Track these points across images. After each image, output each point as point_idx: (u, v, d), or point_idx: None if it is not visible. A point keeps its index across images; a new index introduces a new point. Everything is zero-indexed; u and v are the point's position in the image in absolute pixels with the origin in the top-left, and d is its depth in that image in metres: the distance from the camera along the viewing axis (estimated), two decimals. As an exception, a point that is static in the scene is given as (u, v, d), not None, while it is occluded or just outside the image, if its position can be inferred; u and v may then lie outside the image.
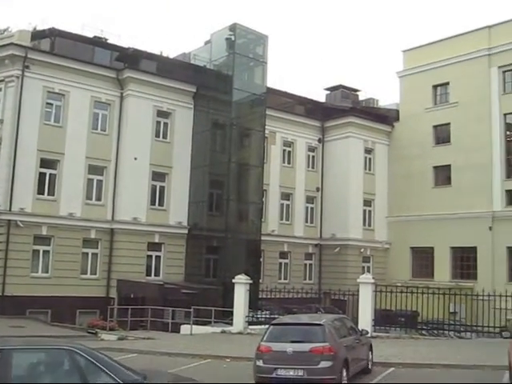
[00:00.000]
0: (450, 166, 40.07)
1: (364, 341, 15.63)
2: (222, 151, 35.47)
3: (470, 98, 39.06)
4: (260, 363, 12.98)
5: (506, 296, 21.31)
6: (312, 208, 42.56)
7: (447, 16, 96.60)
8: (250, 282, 26.34)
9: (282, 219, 40.70)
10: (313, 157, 43.02)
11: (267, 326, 14.44)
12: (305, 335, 13.18)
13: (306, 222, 42.12)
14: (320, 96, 48.72)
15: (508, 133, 38.70)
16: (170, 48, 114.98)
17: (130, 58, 34.63)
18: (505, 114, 38.31)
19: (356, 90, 49.03)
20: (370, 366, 15.61)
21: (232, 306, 26.05)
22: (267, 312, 27.86)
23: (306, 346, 12.73)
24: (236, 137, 35.46)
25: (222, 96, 35.01)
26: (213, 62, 36.43)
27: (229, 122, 34.88)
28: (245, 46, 36.45)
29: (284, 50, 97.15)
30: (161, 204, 34.16)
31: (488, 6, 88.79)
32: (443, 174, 40.80)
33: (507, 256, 36.49)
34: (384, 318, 24.86)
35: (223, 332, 25.24)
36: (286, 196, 41.15)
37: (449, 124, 40.59)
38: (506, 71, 38.69)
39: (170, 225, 34.06)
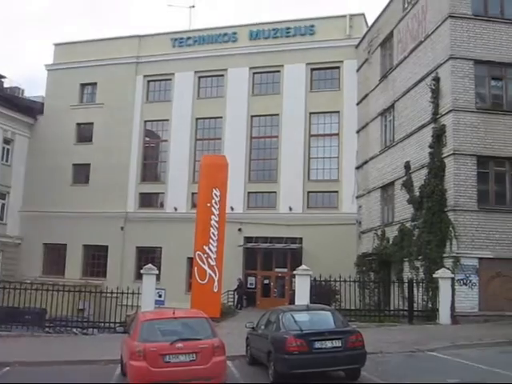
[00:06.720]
0: (89, 164, 40.73)
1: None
2: None
3: (116, 101, 40.35)
4: None
5: (128, 293, 22.57)
6: None
7: (105, 16, 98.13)
8: None
9: None
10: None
11: None
12: None
13: None
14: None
15: (147, 139, 41.07)
16: None
17: None
18: (145, 121, 40.59)
19: (1, 77, 46.42)
20: (-17, 367, 14.97)
21: None
22: None
23: None
24: None
25: None
26: None
27: None
28: None
29: None
30: None
31: (141, 15, 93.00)
32: (82, 173, 41.23)
33: (136, 255, 38.61)
34: (9, 316, 24.01)
35: None
36: None
37: (92, 124, 41.30)
38: (150, 81, 41.05)
39: None
